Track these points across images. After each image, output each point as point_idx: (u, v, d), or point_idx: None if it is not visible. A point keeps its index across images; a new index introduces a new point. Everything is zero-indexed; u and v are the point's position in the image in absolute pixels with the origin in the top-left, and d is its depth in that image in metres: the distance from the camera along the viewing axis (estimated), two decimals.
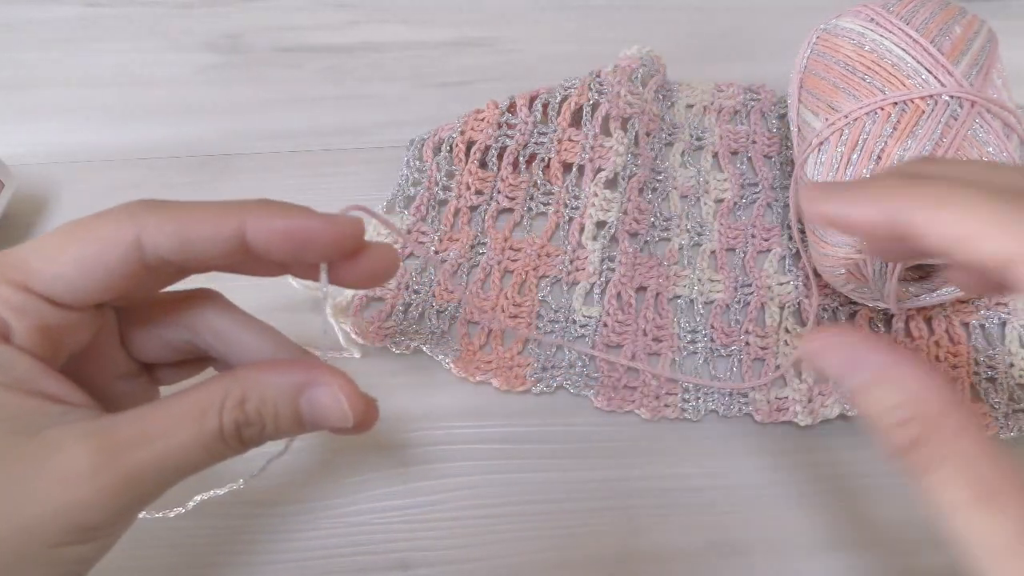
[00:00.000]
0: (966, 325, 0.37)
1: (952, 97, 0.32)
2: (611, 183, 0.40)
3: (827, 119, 0.35)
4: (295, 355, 0.26)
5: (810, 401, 0.34)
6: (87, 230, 0.21)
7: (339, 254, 0.23)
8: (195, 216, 0.21)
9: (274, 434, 0.22)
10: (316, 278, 0.24)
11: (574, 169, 0.41)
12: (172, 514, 0.29)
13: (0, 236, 0.40)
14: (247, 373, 0.22)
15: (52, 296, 0.21)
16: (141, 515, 0.28)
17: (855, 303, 0.37)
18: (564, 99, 0.41)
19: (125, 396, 0.25)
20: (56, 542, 0.19)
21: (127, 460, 0.20)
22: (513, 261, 0.39)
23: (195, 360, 0.27)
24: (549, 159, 0.41)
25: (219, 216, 0.21)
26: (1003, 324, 0.37)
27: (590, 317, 0.37)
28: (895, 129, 0.32)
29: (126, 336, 0.25)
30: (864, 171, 0.32)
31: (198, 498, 0.29)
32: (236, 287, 0.27)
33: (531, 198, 0.41)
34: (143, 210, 0.21)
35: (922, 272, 0.35)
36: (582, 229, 0.40)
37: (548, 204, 0.41)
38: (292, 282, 0.36)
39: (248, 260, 0.23)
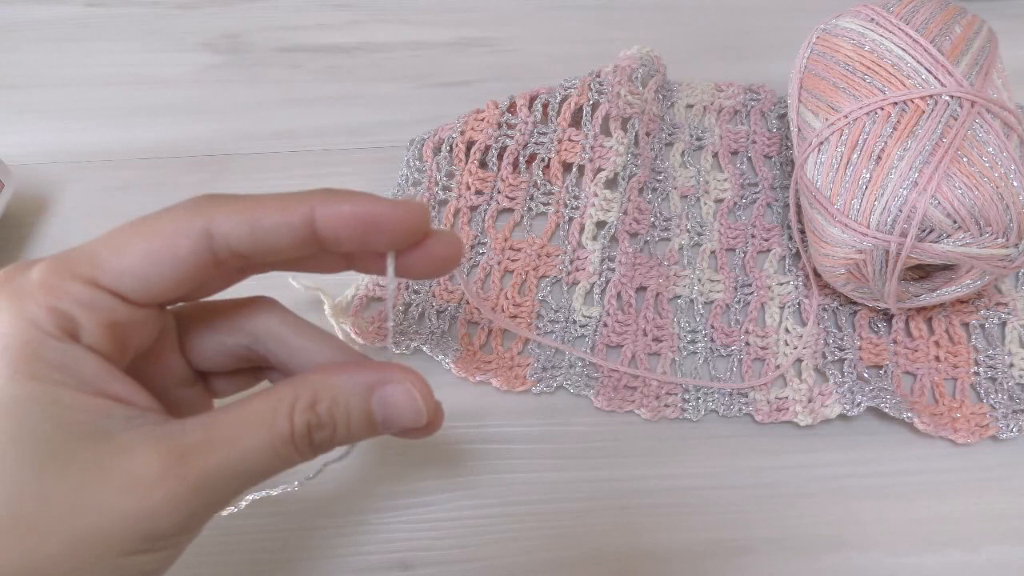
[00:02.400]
0: (966, 325, 0.37)
1: (952, 97, 0.32)
2: (611, 183, 0.40)
3: (827, 119, 0.35)
4: (358, 359, 0.25)
5: (810, 401, 0.34)
6: (156, 223, 0.21)
7: (406, 240, 0.22)
8: (263, 205, 0.21)
9: (346, 437, 0.22)
10: (381, 271, 0.23)
11: (574, 169, 0.41)
12: (225, 513, 0.28)
13: (0, 236, 0.40)
14: (316, 376, 0.22)
15: (121, 291, 0.20)
16: None
17: (855, 303, 0.37)
18: (564, 99, 0.41)
19: (182, 404, 0.25)
20: (125, 550, 0.19)
21: (197, 466, 0.19)
22: (513, 261, 0.39)
23: (250, 370, 0.26)
24: (549, 159, 0.41)
25: (287, 204, 0.21)
26: (1003, 324, 0.37)
27: (590, 317, 0.37)
28: (895, 129, 0.32)
29: (184, 342, 0.25)
30: (864, 171, 0.32)
31: (251, 497, 0.29)
32: (236, 287, 0.26)
33: (531, 198, 0.41)
34: (210, 203, 0.21)
35: (922, 272, 0.35)
36: (582, 229, 0.40)
37: (548, 204, 0.41)
38: (292, 282, 0.36)
39: (315, 252, 0.22)
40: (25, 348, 0.19)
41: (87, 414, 0.19)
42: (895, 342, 0.36)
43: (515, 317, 0.37)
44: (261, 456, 0.20)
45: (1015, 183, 0.31)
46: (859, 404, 0.33)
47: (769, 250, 0.40)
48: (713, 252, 0.40)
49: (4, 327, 0.19)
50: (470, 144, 0.41)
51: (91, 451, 0.19)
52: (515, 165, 0.41)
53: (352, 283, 0.37)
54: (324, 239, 0.21)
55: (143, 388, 0.21)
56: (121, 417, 0.20)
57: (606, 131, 0.41)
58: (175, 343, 0.24)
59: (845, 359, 0.35)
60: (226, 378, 0.26)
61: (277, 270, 0.23)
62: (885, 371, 0.35)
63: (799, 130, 0.38)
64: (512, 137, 0.41)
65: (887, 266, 0.33)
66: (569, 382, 0.35)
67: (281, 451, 0.21)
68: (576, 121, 0.41)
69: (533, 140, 0.41)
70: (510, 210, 0.41)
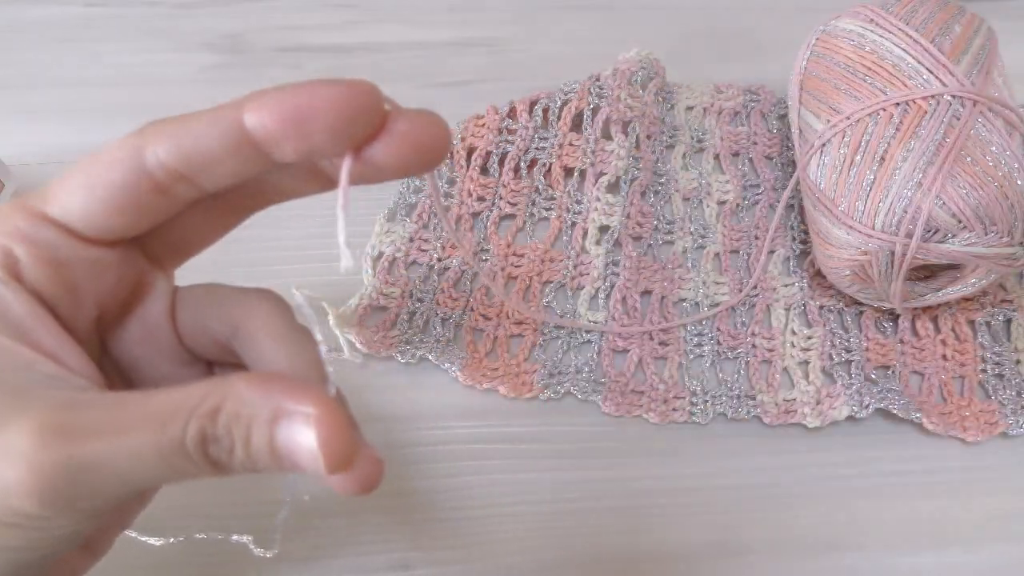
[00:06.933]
0: (972, 323, 0.37)
1: (954, 97, 0.32)
2: (613, 187, 0.40)
3: (829, 121, 0.35)
4: (313, 375, 0.21)
5: (818, 403, 0.34)
6: (99, 152, 0.19)
7: (352, 127, 0.19)
8: (194, 116, 0.19)
9: (246, 462, 0.18)
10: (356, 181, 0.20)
11: (575, 174, 0.41)
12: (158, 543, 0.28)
13: None
14: (235, 380, 0.18)
15: (68, 223, 0.19)
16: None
17: (860, 304, 0.37)
18: (564, 103, 0.41)
19: (173, 383, 0.23)
20: None
21: (71, 448, 0.17)
22: (516, 267, 0.39)
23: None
24: (550, 164, 0.41)
25: (217, 110, 0.19)
26: (1008, 321, 0.37)
27: (595, 322, 0.37)
28: (898, 130, 0.32)
29: (177, 316, 0.23)
30: (868, 172, 0.32)
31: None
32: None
33: (533, 204, 0.41)
34: (150, 124, 0.20)
35: (927, 272, 0.35)
36: (585, 234, 0.39)
37: (550, 209, 0.41)
38: (294, 291, 0.35)
39: (264, 164, 0.19)
40: None
41: (4, 360, 0.18)
42: (902, 342, 0.36)
43: (520, 323, 0.37)
44: (146, 458, 0.17)
45: (1019, 181, 0.31)
46: (867, 406, 0.33)
47: (773, 251, 0.40)
48: (717, 254, 0.40)
49: None
50: (471, 150, 0.41)
51: None
52: (516, 171, 0.41)
53: (356, 292, 0.37)
54: (260, 142, 0.19)
55: (80, 348, 0.19)
56: (43, 374, 0.18)
57: (607, 135, 0.41)
58: (165, 312, 0.22)
59: (852, 360, 0.35)
60: (228, 370, 0.24)
61: (255, 207, 0.22)
62: (893, 372, 0.35)
63: (800, 132, 0.38)
64: (513, 143, 0.41)
65: (892, 267, 0.33)
66: (576, 388, 0.34)
67: (170, 458, 0.17)
68: (577, 125, 0.41)
69: (534, 145, 0.41)
70: (512, 216, 0.40)
